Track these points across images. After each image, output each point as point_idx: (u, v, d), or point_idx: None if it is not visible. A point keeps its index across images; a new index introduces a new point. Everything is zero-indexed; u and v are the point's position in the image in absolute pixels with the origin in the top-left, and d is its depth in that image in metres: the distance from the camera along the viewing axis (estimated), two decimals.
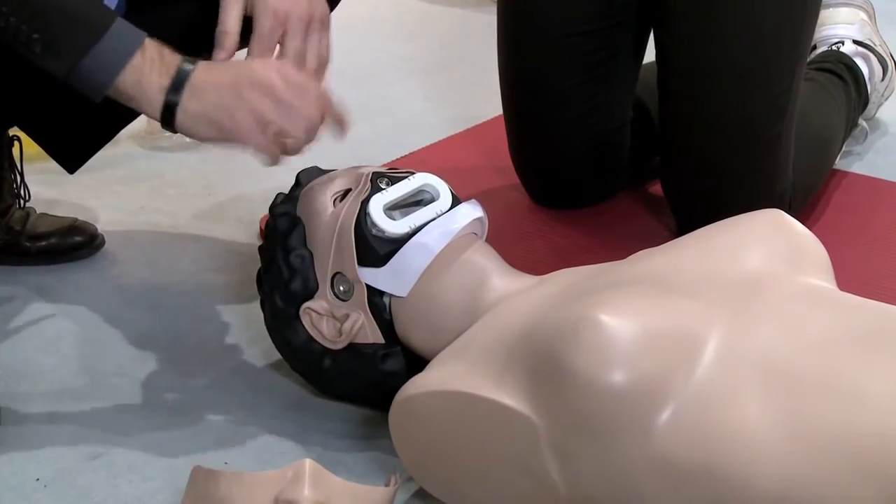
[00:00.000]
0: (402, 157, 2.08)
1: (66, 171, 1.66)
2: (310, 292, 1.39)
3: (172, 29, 1.49)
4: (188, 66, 1.31)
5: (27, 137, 1.65)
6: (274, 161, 1.35)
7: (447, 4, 2.96)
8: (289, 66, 1.37)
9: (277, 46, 1.41)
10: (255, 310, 1.54)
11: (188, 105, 1.31)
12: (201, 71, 1.32)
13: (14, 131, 1.72)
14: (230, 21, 1.41)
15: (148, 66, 1.30)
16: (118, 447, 1.39)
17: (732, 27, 1.69)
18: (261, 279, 1.45)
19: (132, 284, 1.73)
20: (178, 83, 1.31)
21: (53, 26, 1.28)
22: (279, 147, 1.34)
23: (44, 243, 1.76)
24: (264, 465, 1.36)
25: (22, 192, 1.77)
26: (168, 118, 1.32)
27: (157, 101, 1.31)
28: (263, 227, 1.48)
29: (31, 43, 1.27)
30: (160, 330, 1.62)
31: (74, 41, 1.28)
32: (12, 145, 1.74)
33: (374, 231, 1.35)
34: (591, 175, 1.90)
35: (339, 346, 1.38)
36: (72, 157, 1.65)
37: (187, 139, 2.12)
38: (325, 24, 1.44)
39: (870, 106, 2.12)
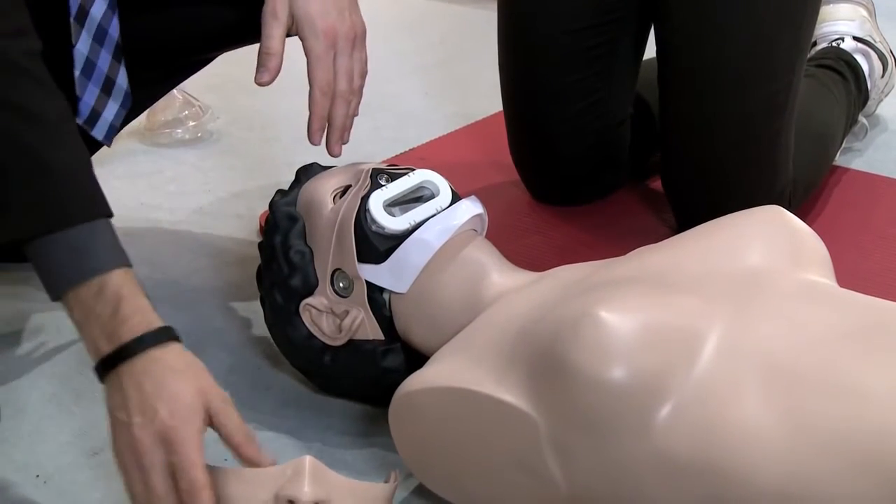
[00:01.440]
0: (401, 154, 2.08)
1: None
2: (310, 289, 1.39)
3: (165, 33, 1.49)
4: (141, 345, 1.09)
5: None
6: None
7: (447, 1, 2.96)
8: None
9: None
10: (254, 306, 1.54)
11: (110, 390, 1.09)
12: (145, 359, 1.08)
13: None
14: (274, 42, 1.37)
15: (99, 306, 1.08)
16: None
17: (733, 24, 1.68)
18: (261, 276, 1.45)
19: None
20: (116, 358, 1.08)
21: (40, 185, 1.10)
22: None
23: None
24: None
25: None
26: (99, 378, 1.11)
27: (92, 358, 1.11)
28: (263, 224, 1.48)
29: None
30: None
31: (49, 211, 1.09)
32: None
33: (373, 227, 1.35)
34: (590, 171, 1.90)
35: (338, 343, 1.39)
36: None
37: (187, 136, 2.14)
38: (364, 39, 1.43)
39: (870, 102, 2.12)
